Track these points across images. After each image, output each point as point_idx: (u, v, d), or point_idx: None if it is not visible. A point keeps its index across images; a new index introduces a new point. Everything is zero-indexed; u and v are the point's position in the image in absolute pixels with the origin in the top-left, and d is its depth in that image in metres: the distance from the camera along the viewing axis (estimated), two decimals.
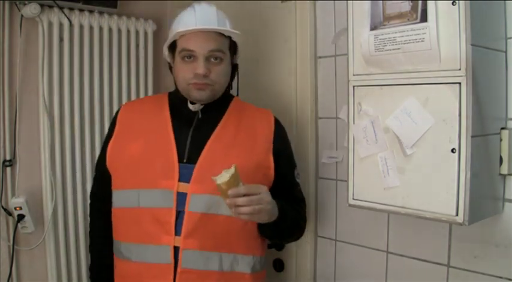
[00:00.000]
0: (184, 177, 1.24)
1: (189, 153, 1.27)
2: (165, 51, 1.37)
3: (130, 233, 1.27)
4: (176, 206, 1.23)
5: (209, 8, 1.31)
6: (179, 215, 1.23)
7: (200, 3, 1.32)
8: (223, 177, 1.09)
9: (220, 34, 1.29)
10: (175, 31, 1.29)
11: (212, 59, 1.27)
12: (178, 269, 1.21)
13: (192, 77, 1.26)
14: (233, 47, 1.35)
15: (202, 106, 1.32)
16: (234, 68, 1.39)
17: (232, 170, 1.09)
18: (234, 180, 1.09)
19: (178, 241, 1.21)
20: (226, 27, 1.31)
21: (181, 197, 1.23)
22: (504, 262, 1.17)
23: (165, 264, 1.22)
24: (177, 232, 1.22)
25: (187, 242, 1.21)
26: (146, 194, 1.25)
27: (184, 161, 1.26)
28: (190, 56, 1.27)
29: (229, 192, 1.09)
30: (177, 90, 1.37)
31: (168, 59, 1.37)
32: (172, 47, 1.33)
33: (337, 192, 1.58)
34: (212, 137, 1.29)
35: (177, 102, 1.36)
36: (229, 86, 1.40)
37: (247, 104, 1.43)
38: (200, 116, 1.33)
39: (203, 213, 1.22)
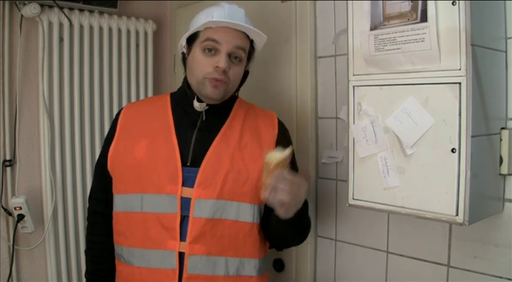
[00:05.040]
0: (188, 181, 1.22)
1: (193, 156, 1.25)
2: (183, 42, 1.31)
3: (134, 237, 1.25)
4: (180, 211, 1.21)
5: (238, 9, 1.30)
6: (184, 219, 1.21)
7: (230, 3, 1.30)
8: (276, 155, 1.06)
9: (245, 36, 1.28)
10: (203, 22, 1.23)
11: (233, 58, 1.25)
12: (184, 275, 1.20)
13: (211, 72, 1.22)
14: (250, 53, 1.33)
15: (207, 107, 1.29)
16: (245, 74, 1.36)
17: (286, 152, 1.06)
18: (283, 163, 1.06)
19: (184, 247, 1.20)
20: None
21: (185, 202, 1.21)
22: (504, 262, 1.17)
23: (169, 270, 1.20)
24: (182, 237, 1.20)
25: (193, 247, 1.20)
26: (150, 199, 1.23)
27: (188, 164, 1.24)
28: (212, 48, 1.23)
29: (276, 172, 1.06)
30: (184, 87, 1.33)
31: (185, 50, 1.32)
32: (190, 39, 1.29)
33: (337, 192, 1.58)
34: (216, 140, 1.27)
35: (181, 102, 1.33)
36: (237, 90, 1.37)
37: (250, 104, 1.41)
38: (204, 117, 1.30)
39: (208, 218, 1.20)
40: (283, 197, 1.07)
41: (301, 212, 1.19)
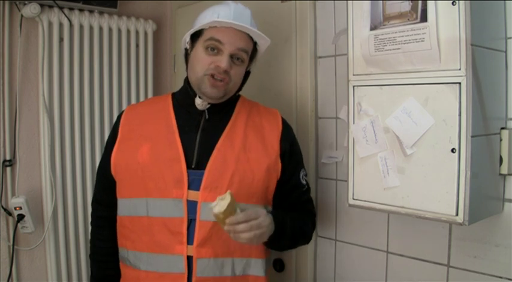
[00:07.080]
0: (194, 184, 1.21)
1: (197, 159, 1.24)
2: (187, 38, 1.30)
3: (140, 242, 1.24)
4: (187, 215, 1.20)
5: (244, 10, 1.29)
6: (191, 223, 1.20)
7: (236, 3, 1.29)
8: (220, 205, 1.06)
9: (249, 37, 1.27)
10: (208, 20, 1.23)
11: (235, 59, 1.24)
12: (193, 278, 1.20)
13: (212, 68, 1.22)
14: (253, 54, 1.33)
15: (209, 105, 1.28)
16: (247, 74, 1.35)
17: (227, 197, 1.06)
18: (231, 208, 1.07)
19: (191, 250, 1.19)
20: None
21: (192, 205, 1.20)
22: (504, 262, 1.17)
23: (178, 274, 1.20)
24: (190, 241, 1.19)
25: (201, 251, 1.19)
26: (155, 203, 1.22)
27: (193, 166, 1.23)
28: (215, 48, 1.23)
29: (228, 221, 1.08)
30: (185, 86, 1.33)
31: (188, 46, 1.30)
32: (194, 35, 1.28)
33: (337, 192, 1.57)
34: (221, 141, 1.26)
35: (182, 102, 1.32)
36: (239, 90, 1.36)
37: (253, 103, 1.40)
38: (207, 117, 1.28)
39: (215, 221, 1.18)
40: (246, 237, 1.09)
41: (280, 225, 1.21)
